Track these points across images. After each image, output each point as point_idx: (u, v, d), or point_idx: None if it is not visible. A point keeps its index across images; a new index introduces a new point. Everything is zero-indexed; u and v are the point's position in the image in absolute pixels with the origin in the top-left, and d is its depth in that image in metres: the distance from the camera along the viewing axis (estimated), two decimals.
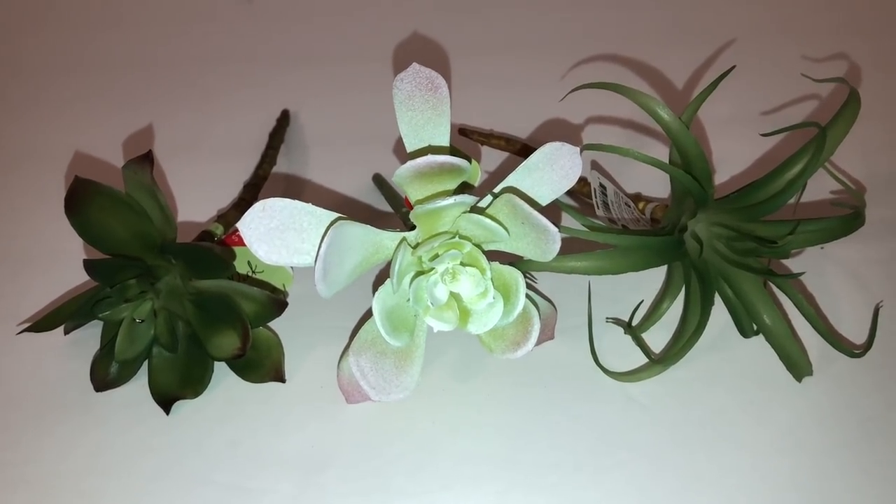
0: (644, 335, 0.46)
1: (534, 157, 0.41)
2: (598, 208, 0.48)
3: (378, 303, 0.39)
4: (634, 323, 0.45)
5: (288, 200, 0.39)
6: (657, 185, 0.54)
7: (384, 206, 0.55)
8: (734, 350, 0.45)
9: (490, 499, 0.40)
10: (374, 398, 0.41)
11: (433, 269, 0.39)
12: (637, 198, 0.52)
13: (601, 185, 0.49)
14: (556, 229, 0.38)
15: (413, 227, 0.42)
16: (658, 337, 0.46)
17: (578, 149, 0.42)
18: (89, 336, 0.47)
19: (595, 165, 0.57)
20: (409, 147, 0.42)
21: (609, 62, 0.69)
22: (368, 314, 0.47)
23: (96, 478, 0.41)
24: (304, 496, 0.40)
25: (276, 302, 0.43)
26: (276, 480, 0.41)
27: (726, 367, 0.45)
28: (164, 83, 0.69)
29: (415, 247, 0.40)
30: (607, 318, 0.47)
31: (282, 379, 0.45)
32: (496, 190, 0.41)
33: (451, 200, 0.38)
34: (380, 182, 0.57)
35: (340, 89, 0.68)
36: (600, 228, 0.41)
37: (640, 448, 0.41)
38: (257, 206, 0.39)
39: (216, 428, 0.43)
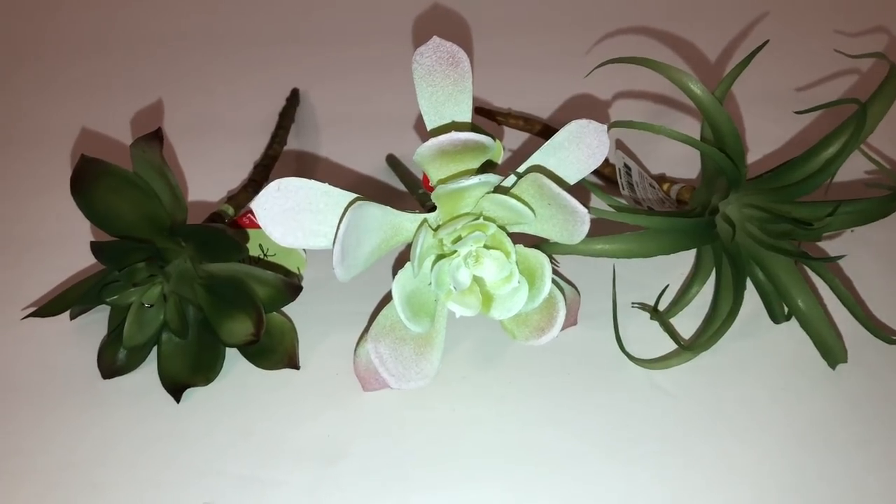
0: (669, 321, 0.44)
1: (559, 136, 0.40)
2: (623, 189, 0.47)
3: (398, 287, 0.37)
4: (660, 308, 0.43)
5: (304, 180, 0.37)
6: (681, 167, 0.53)
7: (398, 187, 0.54)
8: (763, 336, 0.44)
9: (514, 491, 0.38)
10: (394, 386, 0.39)
11: (455, 251, 0.38)
12: (661, 179, 0.50)
13: (625, 166, 0.47)
14: (585, 210, 0.36)
15: (431, 209, 0.41)
16: (681, 323, 0.45)
17: (605, 126, 0.40)
18: (95, 321, 0.45)
19: (619, 145, 0.55)
20: (430, 124, 0.40)
21: (635, 36, 0.66)
22: (385, 299, 0.45)
23: (104, 468, 0.40)
24: (319, 488, 0.39)
25: (291, 286, 0.42)
26: (290, 471, 0.39)
27: (755, 353, 0.43)
28: (172, 62, 0.67)
29: (436, 229, 0.39)
30: (633, 303, 0.45)
31: (296, 366, 0.43)
32: (520, 170, 0.40)
33: (475, 180, 0.36)
34: (394, 163, 0.55)
35: (351, 68, 0.66)
36: (629, 209, 0.39)
37: (668, 438, 0.40)
38: (272, 186, 0.37)
39: (228, 416, 0.42)
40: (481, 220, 0.37)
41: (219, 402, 0.42)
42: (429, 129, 0.40)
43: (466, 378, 0.43)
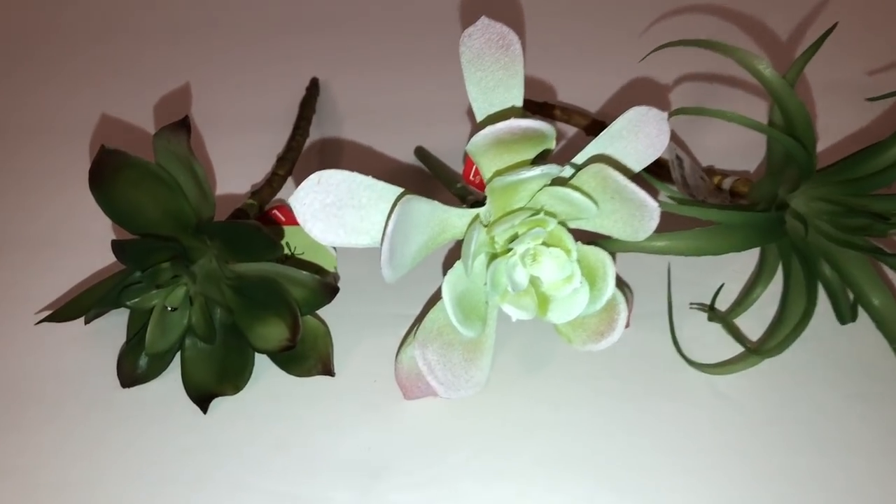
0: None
1: (617, 124, 0.37)
2: (676, 183, 0.44)
3: (448, 288, 0.34)
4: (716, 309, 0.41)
5: (346, 172, 0.34)
6: (731, 159, 0.50)
7: (428, 182, 0.50)
8: (830, 338, 0.41)
9: None
10: (443, 395, 0.36)
11: (511, 249, 0.35)
12: (710, 171, 0.47)
13: (678, 158, 0.45)
14: (655, 205, 0.33)
15: (472, 204, 0.38)
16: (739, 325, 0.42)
17: (666, 114, 0.37)
18: (111, 326, 0.42)
19: (671, 136, 0.52)
20: (479, 113, 0.37)
21: (695, 16, 0.62)
22: (430, 301, 0.43)
23: (124, 485, 0.37)
24: None
25: (327, 287, 0.39)
26: (330, 487, 0.36)
27: (823, 357, 0.40)
28: (186, 50, 0.64)
29: (487, 225, 0.36)
30: (691, 303, 0.42)
31: (330, 372, 0.40)
32: (577, 160, 0.37)
33: (537, 171, 0.33)
34: (424, 155, 0.52)
35: (374, 57, 0.63)
36: (698, 204, 0.36)
37: (733, 449, 0.37)
38: (312, 179, 0.34)
39: (260, 428, 0.39)
40: (542, 215, 0.34)
41: (249, 413, 0.39)
42: (478, 117, 0.37)
43: (514, 385, 0.40)
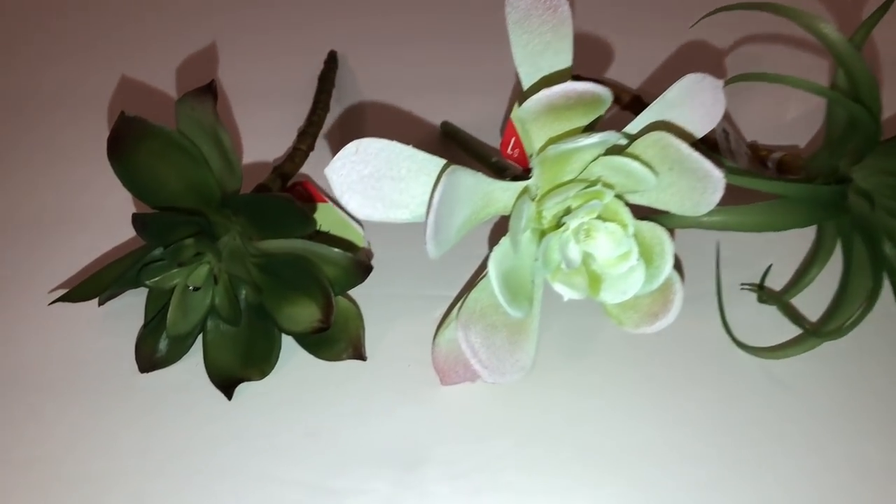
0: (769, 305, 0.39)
1: (671, 92, 0.34)
2: (724, 157, 0.41)
3: (495, 265, 0.32)
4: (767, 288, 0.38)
5: (385, 141, 0.32)
6: (773, 134, 0.47)
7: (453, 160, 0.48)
8: (891, 320, 0.39)
9: (622, 498, 0.33)
10: (488, 380, 0.34)
11: (563, 224, 0.32)
12: (754, 146, 0.45)
13: (724, 131, 0.42)
14: (720, 175, 0.31)
15: (514, 178, 0.35)
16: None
17: (721, 82, 0.35)
18: (125, 307, 0.40)
19: None
20: (526, 79, 0.35)
21: None
22: (457, 281, 0.40)
23: (144, 477, 0.34)
24: (400, 497, 0.34)
25: (361, 265, 0.36)
26: (364, 478, 0.34)
27: (883, 340, 0.38)
28: (210, 8, 0.60)
29: (536, 199, 0.33)
30: (742, 284, 0.40)
31: (362, 356, 0.38)
32: (630, 129, 0.34)
33: (596, 138, 0.30)
34: (451, 131, 0.49)
35: (394, 31, 0.60)
36: (762, 176, 0.34)
37: (791, 438, 0.35)
38: (350, 149, 0.31)
39: (289, 416, 0.36)
40: (599, 186, 0.32)
41: (276, 399, 0.37)
42: (525, 84, 0.35)
43: (557, 370, 0.38)
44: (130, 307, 0.39)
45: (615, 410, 0.36)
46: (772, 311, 0.39)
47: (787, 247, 0.42)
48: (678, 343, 0.38)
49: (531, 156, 0.35)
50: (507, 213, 0.34)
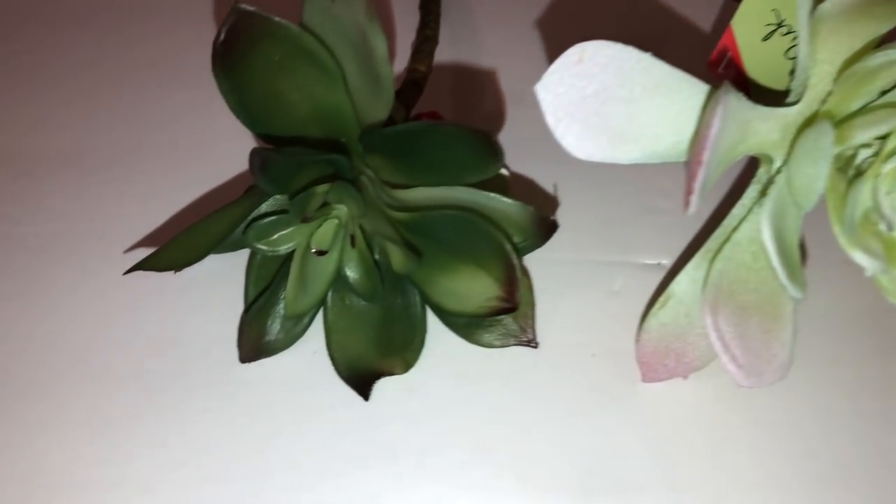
0: None
1: None
2: None
3: (771, 223, 0.23)
4: None
5: (618, 47, 0.22)
6: None
7: None
8: None
9: None
10: (743, 383, 0.25)
11: (872, 167, 0.23)
12: None
13: None
14: None
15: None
16: None
17: None
18: (201, 276, 0.30)
19: None
20: None
21: None
22: (630, 238, 0.31)
23: (255, 484, 0.26)
24: None
25: (544, 223, 0.27)
26: (542, 500, 0.26)
27: None
28: None
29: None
30: None
31: (532, 342, 0.29)
32: None
33: None
34: None
35: None
36: None
37: None
38: (571, 57, 0.22)
39: (451, 421, 0.27)
40: None
41: (427, 398, 0.28)
42: None
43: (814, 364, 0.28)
44: (205, 277, 0.30)
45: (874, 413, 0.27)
46: None
47: None
48: None
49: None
50: (756, 153, 0.25)
